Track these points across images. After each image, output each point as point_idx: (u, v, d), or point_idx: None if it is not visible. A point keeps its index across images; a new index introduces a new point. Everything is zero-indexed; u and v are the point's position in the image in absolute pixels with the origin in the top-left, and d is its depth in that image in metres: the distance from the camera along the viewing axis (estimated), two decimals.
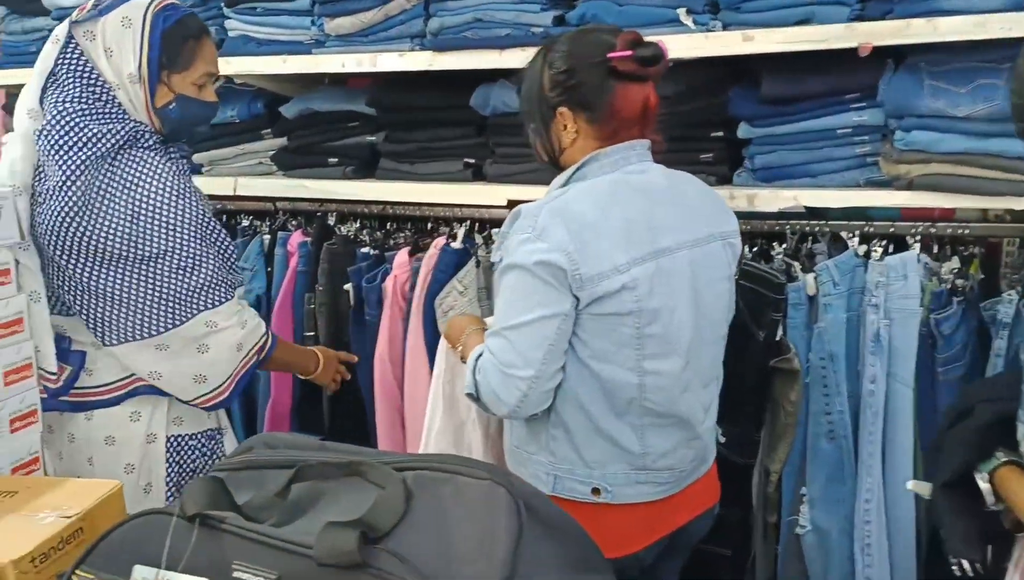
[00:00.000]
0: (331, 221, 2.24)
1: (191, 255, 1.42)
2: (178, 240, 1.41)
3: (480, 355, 1.30)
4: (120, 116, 1.43)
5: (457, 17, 1.92)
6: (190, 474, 1.55)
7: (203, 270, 1.44)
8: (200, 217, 1.46)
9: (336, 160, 2.22)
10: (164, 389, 1.49)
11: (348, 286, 2.10)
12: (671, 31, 1.75)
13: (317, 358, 1.73)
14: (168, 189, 1.42)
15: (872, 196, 1.68)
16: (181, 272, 1.42)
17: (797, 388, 1.66)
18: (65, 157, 1.36)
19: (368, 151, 2.21)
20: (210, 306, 1.44)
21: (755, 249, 1.80)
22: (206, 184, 2.35)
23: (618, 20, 1.80)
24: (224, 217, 2.43)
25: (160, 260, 1.40)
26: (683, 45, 1.72)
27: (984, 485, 1.03)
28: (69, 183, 1.35)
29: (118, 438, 1.49)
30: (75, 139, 1.37)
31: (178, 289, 1.42)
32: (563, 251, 1.20)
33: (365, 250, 2.14)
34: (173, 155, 1.50)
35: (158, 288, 1.41)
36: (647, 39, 1.31)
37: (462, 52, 1.91)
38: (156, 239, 1.40)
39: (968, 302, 1.59)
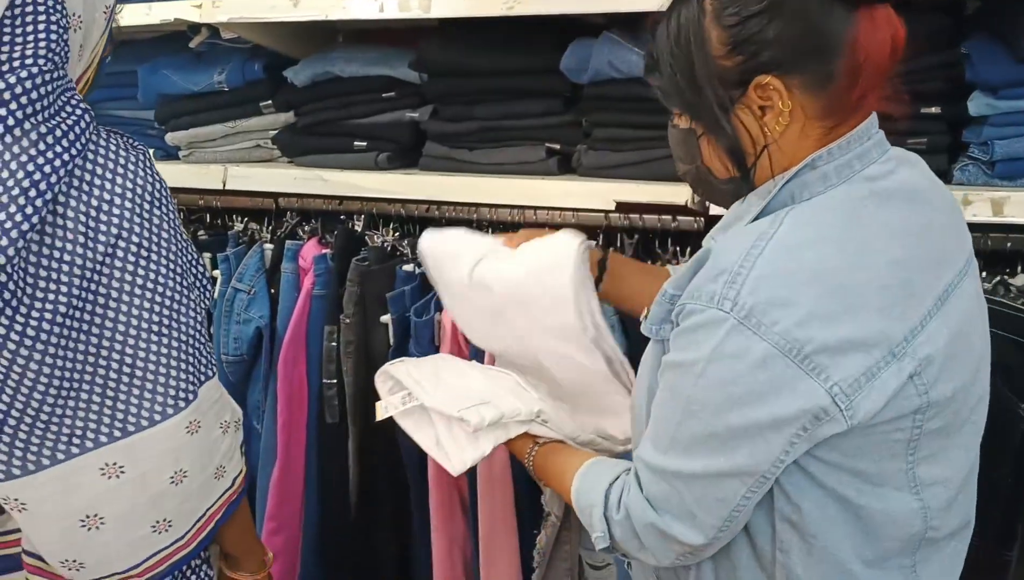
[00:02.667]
0: (358, 227, 1.66)
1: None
2: None
3: (615, 481, 0.88)
4: None
5: None
6: None
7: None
8: None
9: (365, 143, 1.63)
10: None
11: (386, 318, 1.53)
12: None
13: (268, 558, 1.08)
14: None
15: None
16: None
17: None
18: None
19: (409, 132, 1.62)
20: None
21: (997, 279, 1.26)
22: (187, 173, 1.76)
23: None
24: (207, 218, 1.84)
25: None
26: None
27: None
28: None
29: None
30: None
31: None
32: (795, 353, 0.71)
33: (408, 268, 1.56)
34: None
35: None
36: None
37: None
38: None
39: None
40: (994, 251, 1.26)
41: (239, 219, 1.80)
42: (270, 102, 1.73)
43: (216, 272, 1.71)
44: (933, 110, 1.30)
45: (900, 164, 0.83)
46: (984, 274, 1.27)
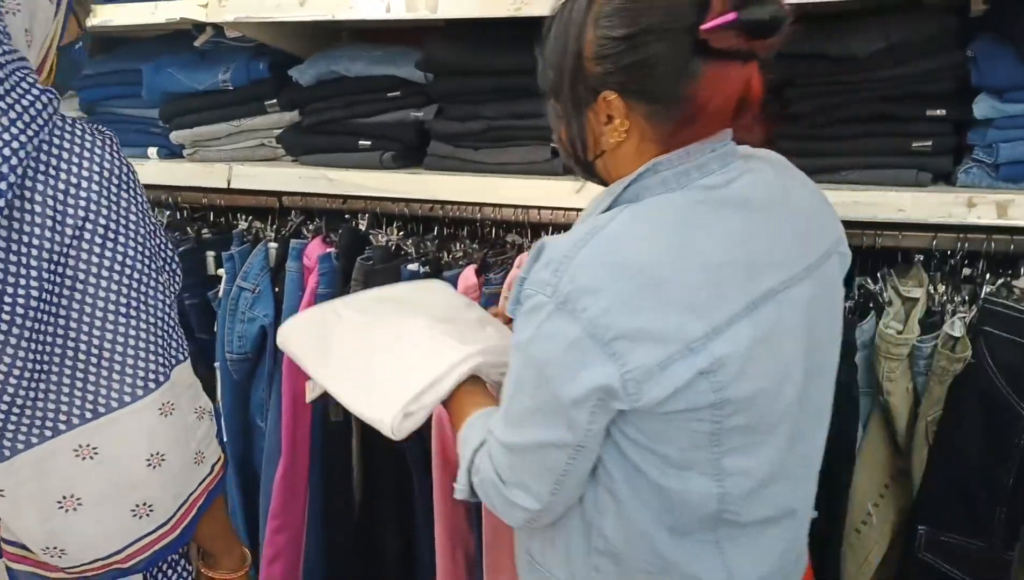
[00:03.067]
0: (362, 226, 1.66)
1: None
2: None
3: (480, 447, 0.93)
4: None
5: None
6: None
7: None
8: None
9: (369, 142, 1.63)
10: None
11: None
12: None
13: (246, 555, 1.08)
14: None
15: None
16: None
17: None
18: None
19: (414, 131, 1.62)
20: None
21: (1001, 281, 1.26)
22: (191, 172, 1.76)
23: None
24: (212, 216, 1.84)
25: None
26: None
27: None
28: None
29: None
30: None
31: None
32: (599, 338, 0.77)
33: (412, 267, 1.56)
34: None
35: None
36: None
37: None
38: None
39: None
40: (998, 253, 1.26)
41: (243, 218, 1.80)
42: (275, 101, 1.72)
43: (220, 270, 1.71)
44: (938, 112, 1.30)
45: (745, 173, 0.86)
46: (988, 276, 1.27)
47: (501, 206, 1.57)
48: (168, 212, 1.86)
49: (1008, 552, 1.20)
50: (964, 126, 1.32)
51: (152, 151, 1.85)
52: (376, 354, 1.11)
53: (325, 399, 1.16)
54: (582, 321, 0.77)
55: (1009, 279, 1.27)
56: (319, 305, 1.26)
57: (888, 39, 1.30)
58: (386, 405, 1.03)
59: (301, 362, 1.16)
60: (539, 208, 1.55)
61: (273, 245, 1.69)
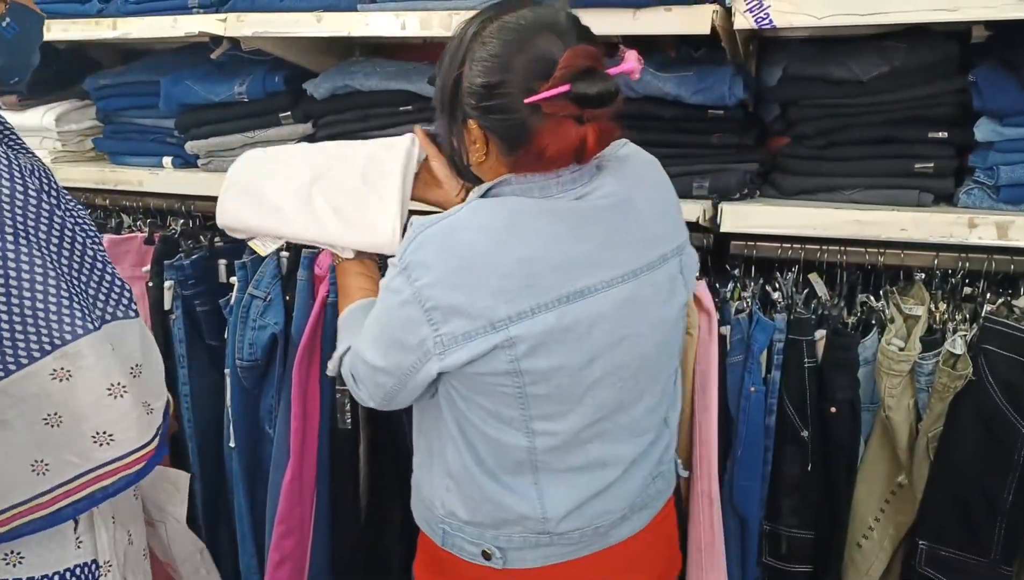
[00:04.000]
0: None
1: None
2: None
3: (347, 350, 1.13)
4: None
5: None
6: None
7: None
8: None
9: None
10: None
11: None
12: None
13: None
14: None
15: None
16: None
17: None
18: None
19: None
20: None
21: (1001, 300, 1.28)
22: (205, 182, 1.79)
23: None
24: None
25: None
26: (917, 4, 1.19)
27: None
28: None
29: None
30: None
31: None
32: (451, 282, 0.94)
33: None
34: None
35: None
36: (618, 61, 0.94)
37: (578, 12, 1.35)
38: None
39: None
40: (999, 273, 1.29)
41: None
42: (289, 113, 1.76)
43: (233, 279, 1.74)
44: (941, 135, 1.33)
45: (591, 191, 0.99)
46: (989, 296, 1.30)
47: None
48: (182, 220, 1.89)
49: (1007, 567, 1.22)
50: (965, 149, 1.35)
51: (167, 160, 1.89)
52: (318, 187, 1.22)
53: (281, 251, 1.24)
54: (413, 287, 0.95)
55: (1010, 298, 1.29)
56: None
57: (891, 64, 1.33)
58: (372, 224, 1.17)
59: (245, 225, 1.26)
60: None
61: (285, 254, 1.71)
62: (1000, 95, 1.25)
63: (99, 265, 1.00)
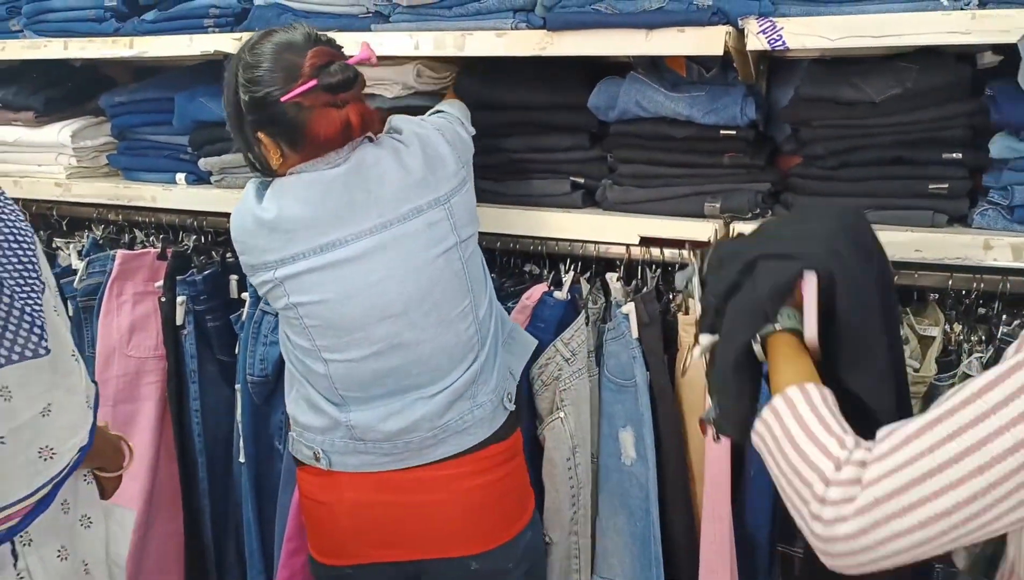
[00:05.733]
0: None
1: None
2: None
3: None
4: None
5: None
6: None
7: None
8: None
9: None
10: None
11: None
12: (905, 6, 1.23)
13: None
14: None
15: None
16: None
17: None
18: None
19: None
20: None
21: (1017, 322, 1.27)
22: (217, 198, 1.80)
23: None
24: None
25: None
26: (929, 27, 1.20)
27: (758, 348, 0.92)
28: None
29: None
30: None
31: None
32: (239, 241, 1.29)
33: None
34: None
35: None
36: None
37: (590, 32, 1.37)
38: None
39: None
40: (1014, 294, 1.28)
41: None
42: None
43: (245, 294, 1.74)
44: (955, 156, 1.33)
45: (343, 163, 1.23)
46: (1004, 317, 1.29)
47: (525, 238, 1.60)
48: (194, 236, 1.90)
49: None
50: (979, 170, 1.35)
51: (180, 177, 1.90)
52: None
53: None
54: (234, 230, 1.29)
55: None
56: None
57: (904, 85, 1.33)
58: None
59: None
60: (558, 240, 1.58)
61: None
62: (1018, 107, 1.24)
63: (17, 302, 0.92)
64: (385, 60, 1.55)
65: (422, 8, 1.49)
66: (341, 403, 1.31)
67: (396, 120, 1.32)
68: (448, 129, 1.34)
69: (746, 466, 1.39)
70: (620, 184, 1.54)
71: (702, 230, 1.42)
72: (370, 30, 1.55)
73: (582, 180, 1.57)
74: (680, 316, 1.44)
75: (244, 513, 1.79)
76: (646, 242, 1.47)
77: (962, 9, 1.20)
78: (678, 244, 1.48)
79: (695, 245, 1.43)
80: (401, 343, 1.25)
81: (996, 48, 1.32)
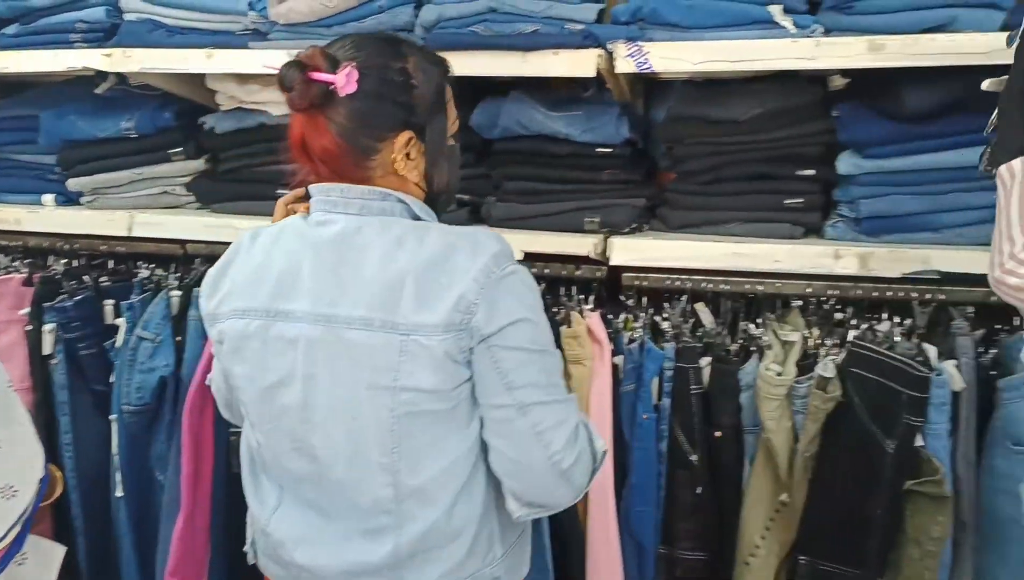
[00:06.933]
0: None
1: None
2: None
3: None
4: None
5: (463, 5, 1.42)
6: None
7: None
8: None
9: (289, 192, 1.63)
10: None
11: None
12: (760, 34, 1.32)
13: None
14: None
15: None
16: None
17: (943, 520, 1.23)
18: None
19: None
20: None
21: (865, 326, 1.37)
22: (89, 220, 1.72)
23: (686, 19, 1.36)
24: (112, 263, 1.80)
25: None
26: (780, 53, 1.29)
27: None
28: None
29: None
30: None
31: None
32: (207, 281, 1.06)
33: None
34: None
35: None
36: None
37: (469, 53, 1.40)
38: None
39: None
40: (866, 300, 1.38)
41: (145, 266, 1.76)
42: (180, 149, 1.72)
43: (120, 320, 1.67)
44: (808, 172, 1.43)
45: (339, 222, 0.98)
46: (854, 321, 1.39)
47: None
48: (64, 260, 1.81)
49: (878, 578, 1.29)
50: (832, 185, 1.45)
51: (48, 198, 1.80)
52: None
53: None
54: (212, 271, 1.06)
55: (874, 324, 1.39)
56: None
57: (764, 106, 1.42)
58: None
59: None
60: None
61: (176, 293, 1.66)
62: (862, 127, 1.36)
63: None
64: (265, 79, 1.53)
65: (300, 26, 1.48)
66: (251, 480, 1.08)
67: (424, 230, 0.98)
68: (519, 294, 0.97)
69: (628, 475, 1.44)
70: (505, 201, 1.57)
71: (582, 244, 1.47)
72: (247, 47, 1.52)
73: (467, 197, 1.59)
74: (564, 329, 1.48)
75: (122, 551, 1.70)
76: (531, 258, 1.50)
77: (808, 37, 1.30)
78: (561, 259, 1.52)
79: None
80: (306, 445, 0.99)
81: (844, 72, 1.43)
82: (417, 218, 0.99)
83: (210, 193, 1.71)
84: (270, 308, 0.98)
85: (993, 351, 1.31)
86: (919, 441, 1.24)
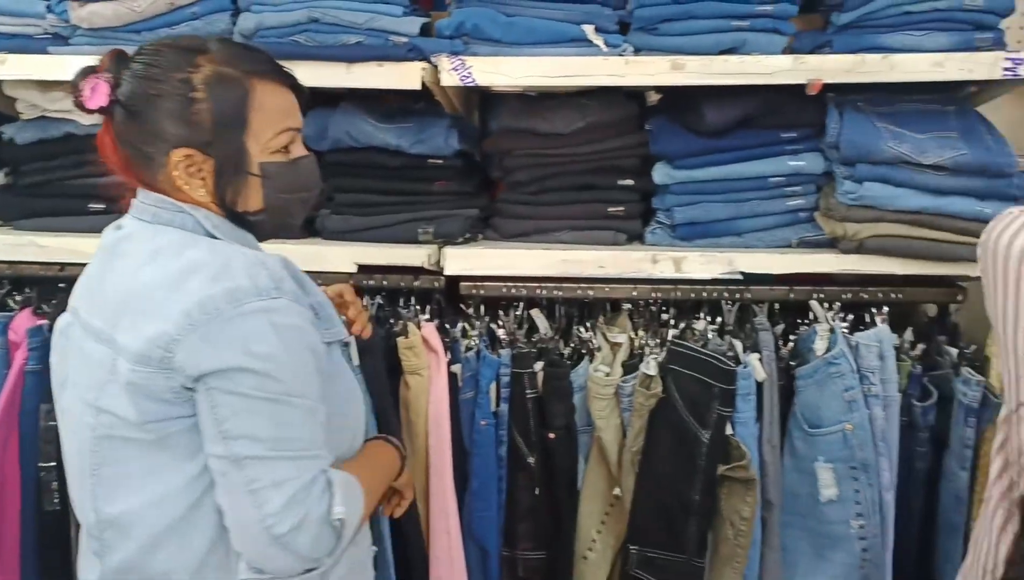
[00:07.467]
0: None
1: None
2: None
3: None
4: None
5: (284, 14, 1.39)
6: None
7: None
8: None
9: (103, 205, 1.52)
10: None
11: None
12: (576, 51, 1.39)
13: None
14: None
15: (818, 261, 1.42)
16: None
17: (751, 500, 1.34)
18: None
19: None
20: None
21: (684, 325, 1.46)
22: None
23: (506, 35, 1.41)
24: None
25: None
26: (593, 70, 1.36)
27: None
28: None
29: None
30: None
31: None
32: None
33: None
34: None
35: None
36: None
37: (292, 64, 1.35)
38: None
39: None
40: (681, 301, 1.47)
41: None
42: None
43: None
44: (628, 182, 1.51)
45: (125, 228, 0.96)
46: (673, 321, 1.48)
47: None
48: None
49: (699, 560, 1.38)
50: (651, 194, 1.54)
51: None
52: None
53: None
54: None
55: (692, 323, 1.48)
56: None
57: (586, 119, 1.49)
58: None
59: None
60: None
61: None
62: (670, 139, 1.46)
63: None
64: (65, 86, 1.42)
65: (106, 31, 1.40)
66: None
67: (175, 237, 0.93)
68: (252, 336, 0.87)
69: (469, 481, 1.45)
70: (338, 213, 1.55)
71: (416, 255, 1.47)
72: (47, 52, 1.42)
73: None
74: (400, 340, 1.48)
75: None
76: (365, 270, 1.49)
77: (619, 56, 1.38)
78: (399, 270, 1.51)
79: None
80: (74, 462, 0.96)
81: (657, 88, 1.53)
82: (212, 236, 0.92)
83: (11, 208, 1.56)
84: (73, 306, 0.98)
85: (791, 344, 1.44)
86: (729, 429, 1.34)
